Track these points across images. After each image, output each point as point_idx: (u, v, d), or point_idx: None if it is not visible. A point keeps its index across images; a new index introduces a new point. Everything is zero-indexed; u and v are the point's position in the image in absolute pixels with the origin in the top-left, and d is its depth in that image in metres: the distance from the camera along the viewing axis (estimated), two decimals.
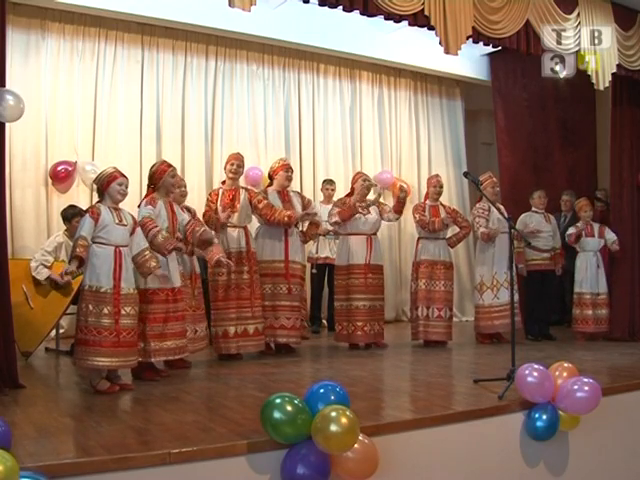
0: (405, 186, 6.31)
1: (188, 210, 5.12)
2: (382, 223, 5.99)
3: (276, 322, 5.32)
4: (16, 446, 2.55)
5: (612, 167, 6.69)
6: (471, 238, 8.10)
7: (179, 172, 6.48)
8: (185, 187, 5.30)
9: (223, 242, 5.07)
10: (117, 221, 3.95)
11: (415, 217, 5.94)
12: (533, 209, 6.43)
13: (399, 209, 5.85)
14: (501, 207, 6.00)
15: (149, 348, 4.17)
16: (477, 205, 6.22)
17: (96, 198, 4.26)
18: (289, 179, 5.59)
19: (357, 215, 5.68)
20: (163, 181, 4.41)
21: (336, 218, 5.67)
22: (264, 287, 5.30)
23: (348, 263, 5.69)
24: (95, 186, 4.13)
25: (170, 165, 4.52)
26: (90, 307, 3.80)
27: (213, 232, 4.81)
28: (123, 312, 3.87)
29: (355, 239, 5.73)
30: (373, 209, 5.82)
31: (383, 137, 8.38)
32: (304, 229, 5.78)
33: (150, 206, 4.30)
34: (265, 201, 5.28)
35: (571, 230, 6.36)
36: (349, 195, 5.91)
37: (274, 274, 5.35)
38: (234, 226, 5.18)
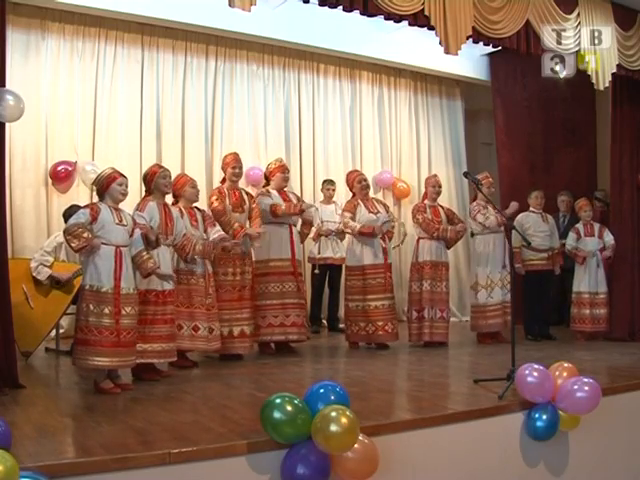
0: (390, 218, 6.13)
1: (201, 213, 5.12)
2: None
3: (287, 320, 5.32)
4: (16, 446, 2.55)
5: (612, 167, 6.68)
6: (470, 238, 8.10)
7: (179, 172, 6.46)
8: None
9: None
10: (117, 221, 3.95)
11: (418, 219, 5.87)
12: (531, 209, 6.43)
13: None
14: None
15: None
16: (472, 204, 6.21)
17: (96, 198, 4.26)
18: (286, 180, 5.65)
19: (371, 216, 5.71)
20: (155, 183, 4.43)
21: (358, 228, 5.65)
22: (271, 286, 5.31)
23: (364, 263, 5.69)
24: (95, 188, 4.13)
25: (161, 167, 4.55)
26: (91, 307, 3.80)
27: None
28: (123, 312, 3.87)
29: (368, 239, 5.72)
30: (382, 209, 5.86)
31: (383, 137, 8.37)
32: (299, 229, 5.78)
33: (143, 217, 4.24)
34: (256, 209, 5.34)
35: (570, 243, 6.36)
36: (354, 197, 5.93)
37: (282, 272, 5.37)
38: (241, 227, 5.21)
